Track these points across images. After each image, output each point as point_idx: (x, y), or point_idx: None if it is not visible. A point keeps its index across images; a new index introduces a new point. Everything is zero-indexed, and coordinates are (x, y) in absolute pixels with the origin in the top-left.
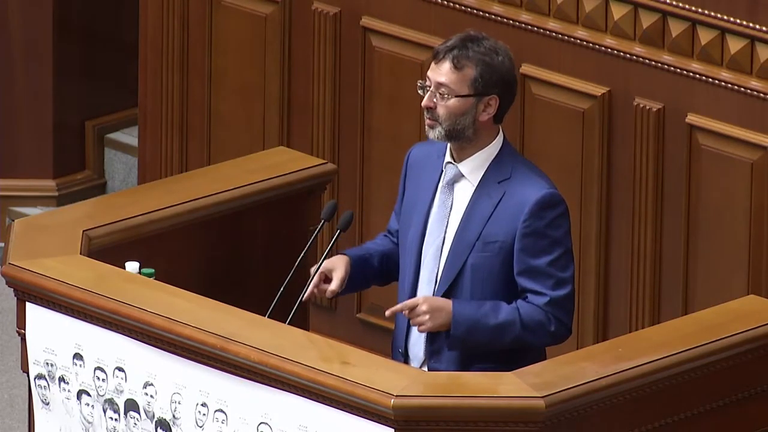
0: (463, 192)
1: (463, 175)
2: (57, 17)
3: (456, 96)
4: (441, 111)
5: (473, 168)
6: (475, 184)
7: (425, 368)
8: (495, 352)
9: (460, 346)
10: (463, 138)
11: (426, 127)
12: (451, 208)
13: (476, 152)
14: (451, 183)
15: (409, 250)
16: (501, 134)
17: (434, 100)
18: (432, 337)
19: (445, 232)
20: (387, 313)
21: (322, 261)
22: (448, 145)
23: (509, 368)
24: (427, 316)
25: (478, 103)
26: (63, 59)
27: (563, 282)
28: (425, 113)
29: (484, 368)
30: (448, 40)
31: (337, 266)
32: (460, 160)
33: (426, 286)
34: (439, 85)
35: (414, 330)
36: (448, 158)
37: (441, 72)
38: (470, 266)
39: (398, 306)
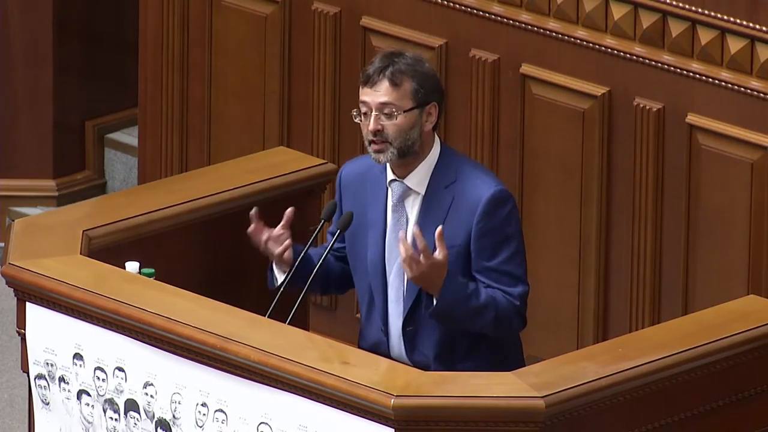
0: (414, 205)
1: (411, 189)
2: (57, 17)
3: (403, 112)
4: (390, 130)
5: (420, 179)
6: (423, 194)
7: None
8: (475, 350)
9: (440, 315)
10: (411, 153)
11: (373, 153)
12: (406, 225)
13: (419, 164)
14: (400, 200)
15: (373, 271)
16: (438, 140)
17: (381, 122)
18: (411, 348)
19: None
20: (413, 230)
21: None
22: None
23: (490, 361)
24: (421, 270)
25: (421, 113)
26: (63, 59)
27: (521, 278)
28: (371, 137)
29: (468, 368)
30: (370, 64)
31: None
32: (405, 176)
33: (395, 305)
34: (383, 105)
35: (393, 346)
36: (391, 176)
37: (380, 92)
38: None
39: (421, 244)
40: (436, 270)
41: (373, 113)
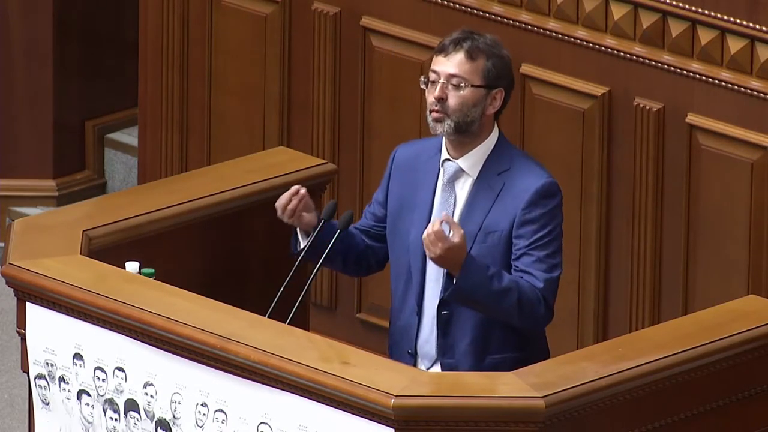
0: (464, 187)
1: (463, 171)
2: (57, 17)
3: (471, 86)
4: (453, 101)
5: (473, 162)
6: (475, 177)
7: (437, 366)
8: (509, 342)
9: (459, 299)
10: (469, 132)
11: (431, 121)
12: (454, 206)
13: (476, 146)
14: (451, 180)
15: (413, 250)
16: (497, 128)
17: (446, 91)
18: (443, 332)
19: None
20: (442, 218)
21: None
22: (443, 143)
23: (521, 356)
24: (442, 249)
25: (487, 95)
26: (63, 59)
27: (555, 267)
28: (434, 106)
29: (497, 360)
30: (451, 35)
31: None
32: (460, 156)
33: (434, 285)
34: (452, 76)
35: (424, 329)
36: (445, 155)
37: (453, 63)
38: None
39: (437, 224)
40: (453, 251)
41: (441, 81)
